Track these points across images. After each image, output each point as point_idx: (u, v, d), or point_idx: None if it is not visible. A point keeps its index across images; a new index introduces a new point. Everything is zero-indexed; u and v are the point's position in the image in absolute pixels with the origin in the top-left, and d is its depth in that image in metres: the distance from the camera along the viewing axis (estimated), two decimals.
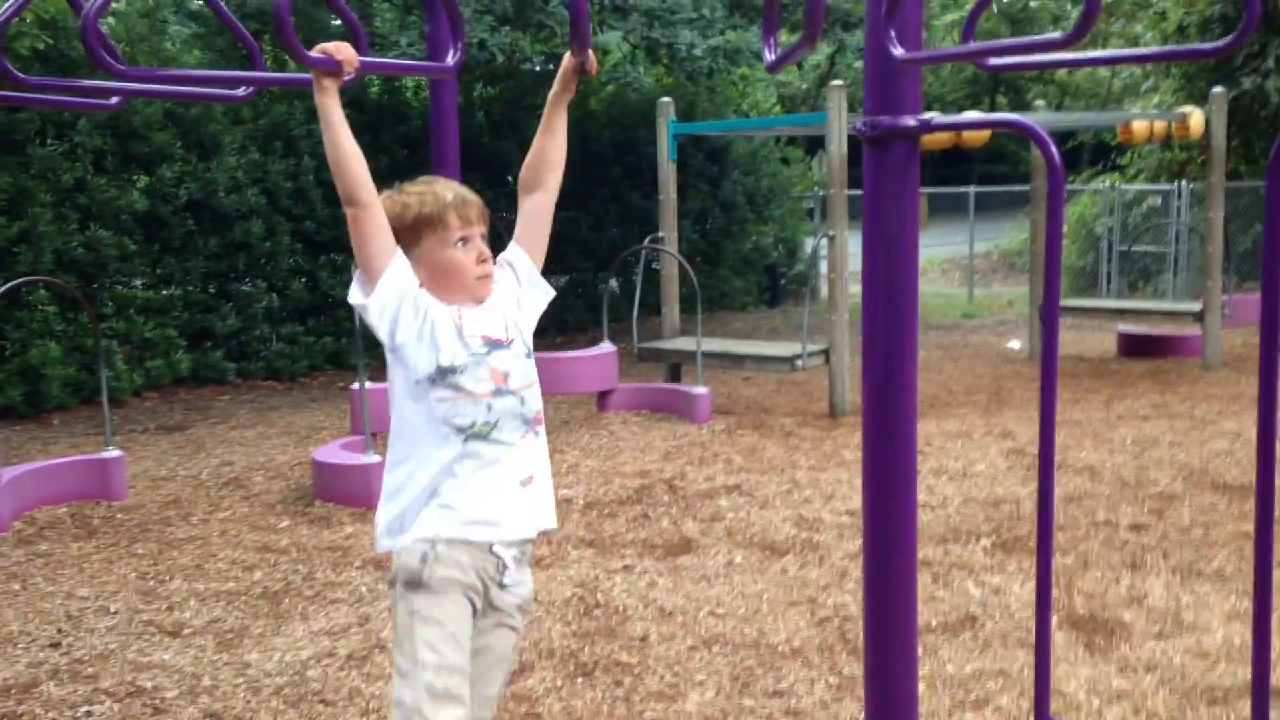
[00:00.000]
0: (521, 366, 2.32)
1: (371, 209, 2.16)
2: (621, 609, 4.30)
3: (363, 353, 6.09)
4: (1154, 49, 1.76)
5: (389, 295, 2.20)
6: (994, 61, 2.09)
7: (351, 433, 6.57)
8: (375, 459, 5.80)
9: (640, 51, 10.89)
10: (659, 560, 4.86)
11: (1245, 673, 3.40)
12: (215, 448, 7.45)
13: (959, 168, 36.10)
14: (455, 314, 2.27)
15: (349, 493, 5.79)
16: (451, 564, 2.22)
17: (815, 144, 17.73)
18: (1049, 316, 2.32)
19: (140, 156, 9.34)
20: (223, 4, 2.04)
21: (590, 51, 2.08)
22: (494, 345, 2.28)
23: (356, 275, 2.23)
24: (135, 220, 9.23)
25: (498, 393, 2.26)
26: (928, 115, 2.39)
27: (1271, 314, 1.82)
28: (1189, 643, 3.75)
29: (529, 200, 2.46)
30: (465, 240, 2.28)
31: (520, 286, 2.42)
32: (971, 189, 18.26)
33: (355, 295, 2.24)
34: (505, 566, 2.28)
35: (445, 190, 2.33)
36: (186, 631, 4.22)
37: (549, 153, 2.40)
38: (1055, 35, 1.56)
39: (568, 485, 6.15)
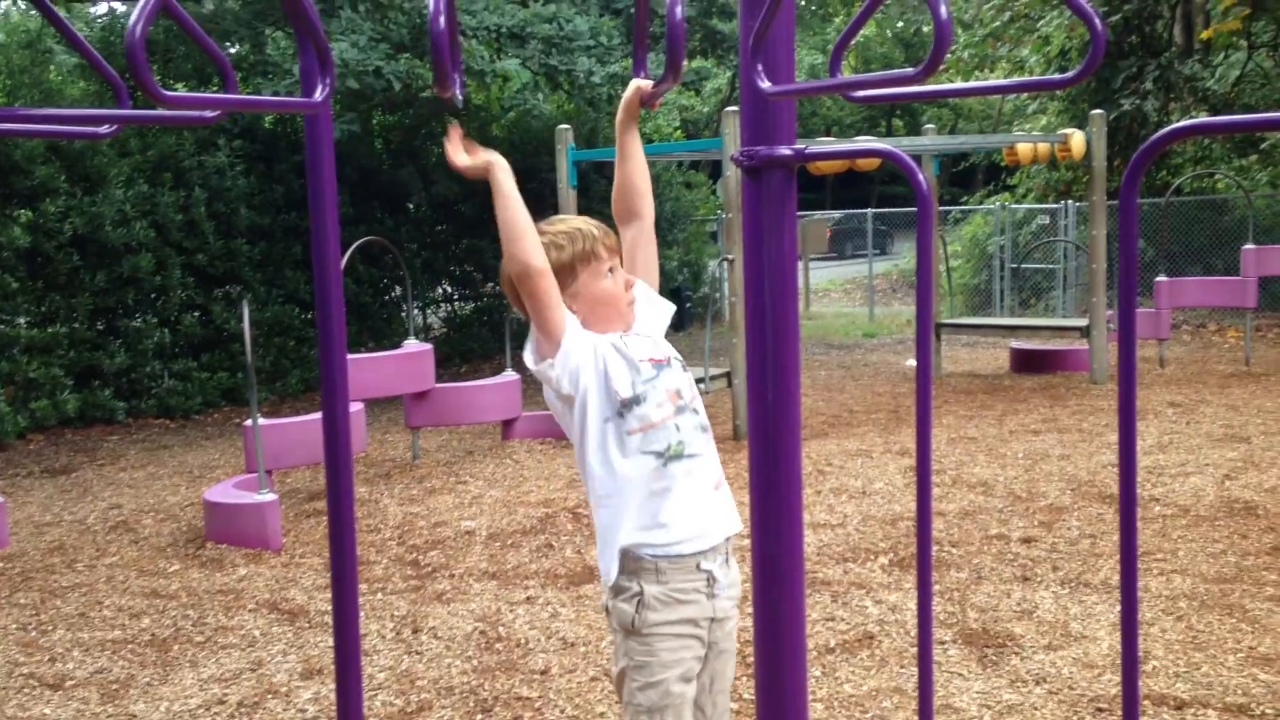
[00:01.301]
0: (687, 381, 2.36)
1: (549, 274, 2.20)
2: (523, 642, 4.26)
3: (256, 387, 5.95)
4: (1008, 80, 1.82)
5: (575, 352, 2.24)
6: (859, 94, 2.13)
7: (246, 470, 6.42)
8: (269, 497, 5.68)
9: (541, 79, 10.90)
10: (562, 590, 4.83)
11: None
12: (103, 490, 7.22)
13: (859, 190, 36.85)
14: (620, 344, 2.31)
15: (242, 533, 5.65)
16: (667, 603, 2.24)
17: (719, 168, 17.92)
18: (922, 336, 2.36)
19: (22, 191, 9.04)
20: (85, 41, 1.97)
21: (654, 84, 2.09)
22: (660, 366, 2.32)
23: (533, 339, 2.26)
24: (18, 257, 8.93)
25: (679, 411, 2.29)
26: (802, 144, 2.43)
27: (1127, 321, 1.88)
28: (1077, 653, 3.84)
29: (628, 230, 2.47)
30: (613, 270, 2.34)
31: (649, 307, 2.46)
32: (870, 211, 18.63)
33: (533, 359, 2.28)
34: (715, 579, 2.29)
35: (587, 224, 2.37)
36: (69, 684, 4.06)
37: (633, 180, 2.42)
38: (909, 70, 1.59)
39: (470, 517, 6.09)
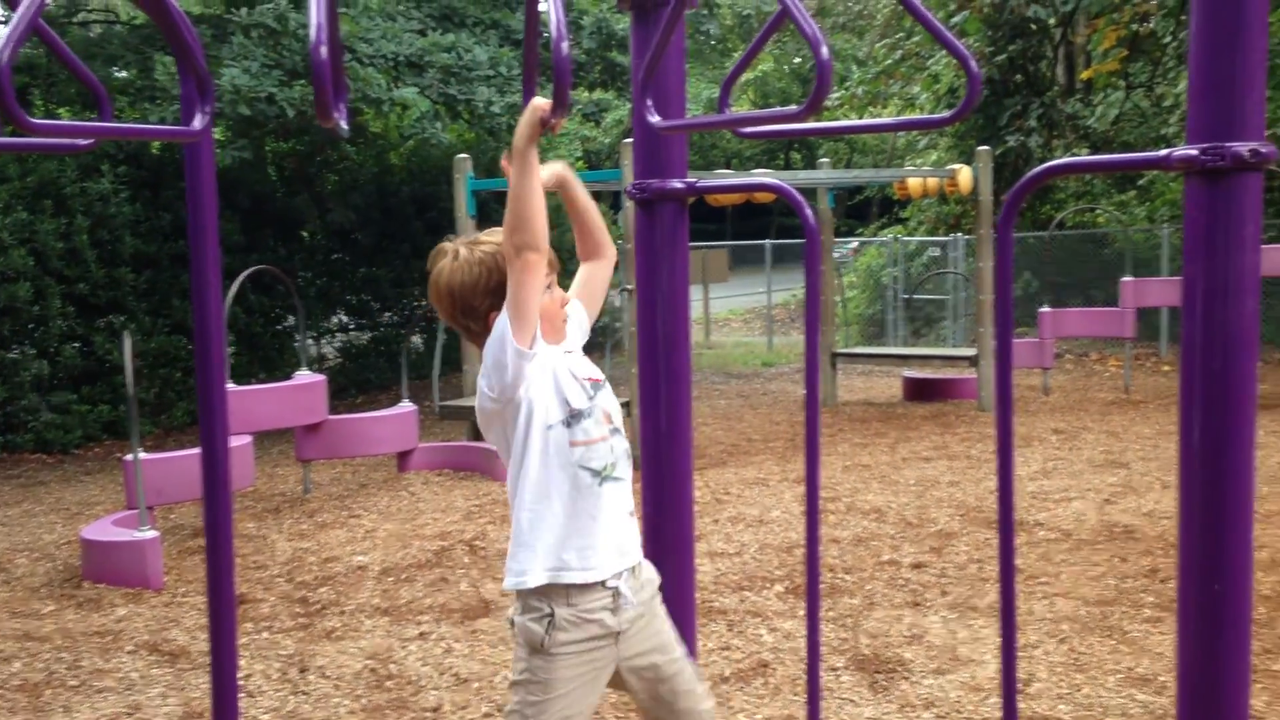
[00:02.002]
0: (616, 405, 2.35)
1: (545, 257, 2.15)
2: (415, 679, 4.17)
3: (139, 420, 5.76)
4: (889, 119, 1.88)
5: (540, 345, 2.21)
6: (747, 130, 2.17)
7: (126, 507, 6.19)
8: (150, 534, 5.49)
9: (441, 108, 10.85)
10: (457, 625, 4.75)
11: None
12: None
13: (759, 220, 37.39)
14: (566, 358, 2.30)
15: (121, 572, 5.44)
16: (575, 625, 2.24)
17: (620, 199, 18.01)
18: (810, 365, 2.40)
19: None
20: None
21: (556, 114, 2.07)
22: (597, 386, 2.32)
23: (507, 326, 2.16)
24: None
25: (614, 432, 2.30)
26: (694, 178, 2.46)
27: (1004, 347, 1.93)
28: (964, 677, 3.92)
29: (588, 266, 2.50)
30: (550, 286, 2.31)
31: (577, 328, 2.46)
32: (768, 242, 18.91)
33: (514, 350, 2.16)
34: (621, 594, 2.28)
35: None
36: None
37: (590, 222, 2.46)
38: (793, 108, 1.63)
39: (363, 552, 5.96)
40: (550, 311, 2.30)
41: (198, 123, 1.67)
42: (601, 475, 2.25)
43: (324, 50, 1.30)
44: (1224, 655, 1.62)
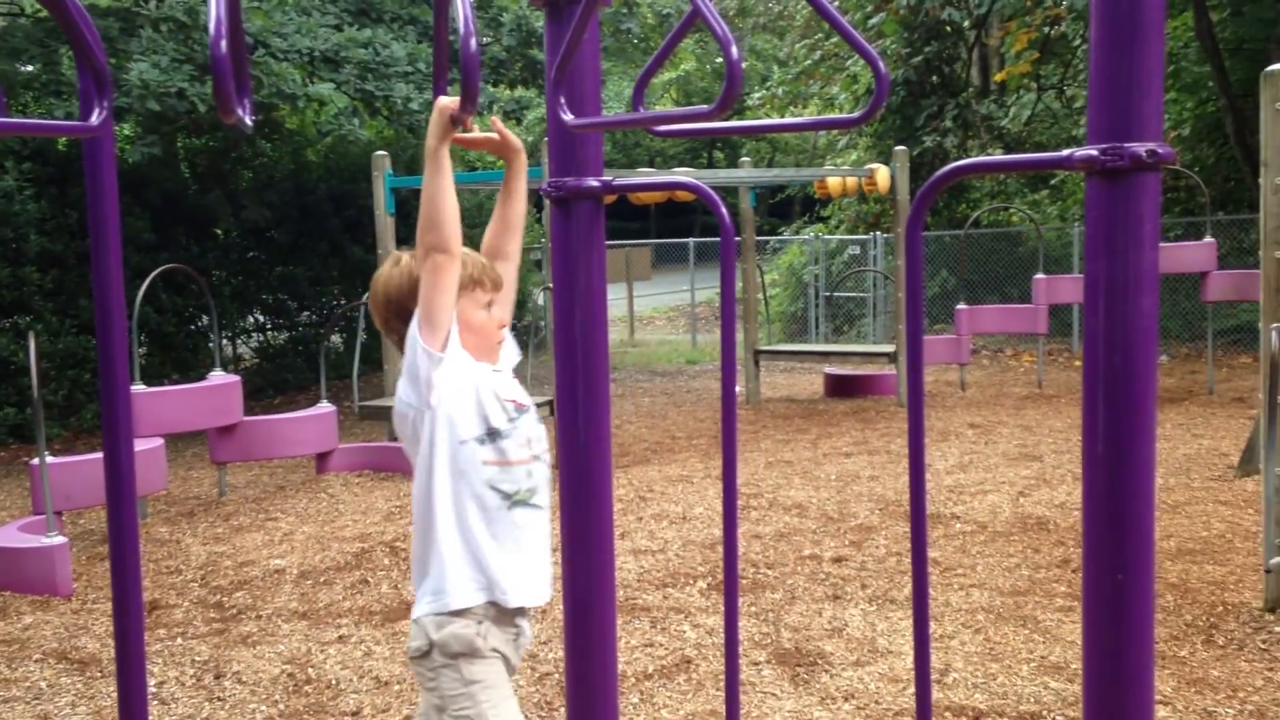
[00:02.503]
0: (541, 433, 2.31)
1: (458, 262, 2.12)
2: (334, 683, 4.12)
3: (45, 423, 5.60)
4: (800, 119, 1.90)
5: (454, 361, 2.16)
6: (661, 129, 2.17)
7: (33, 512, 6.01)
8: (58, 540, 5.33)
9: (359, 104, 10.71)
10: (377, 628, 4.70)
11: (932, 693, 3.63)
12: None
13: (683, 219, 37.55)
14: (490, 377, 2.25)
15: (27, 579, 5.29)
16: (497, 636, 2.22)
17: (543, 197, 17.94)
18: (726, 364, 2.41)
19: None
20: None
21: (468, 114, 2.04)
22: (522, 411, 2.28)
23: (416, 329, 2.13)
24: None
25: (535, 458, 2.27)
26: (609, 176, 2.45)
27: (915, 342, 1.96)
28: (883, 668, 3.97)
29: (501, 267, 2.44)
30: (490, 305, 2.29)
31: (509, 351, 2.44)
32: (691, 240, 19.00)
33: (423, 352, 2.13)
34: (522, 632, 2.28)
35: (475, 255, 2.32)
36: None
37: (514, 218, 2.42)
38: (704, 107, 1.63)
39: (280, 555, 5.86)
40: (487, 330, 2.28)
41: (96, 117, 1.62)
42: (512, 499, 2.21)
43: (224, 44, 1.27)
44: (1127, 642, 1.66)
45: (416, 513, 2.23)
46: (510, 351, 2.39)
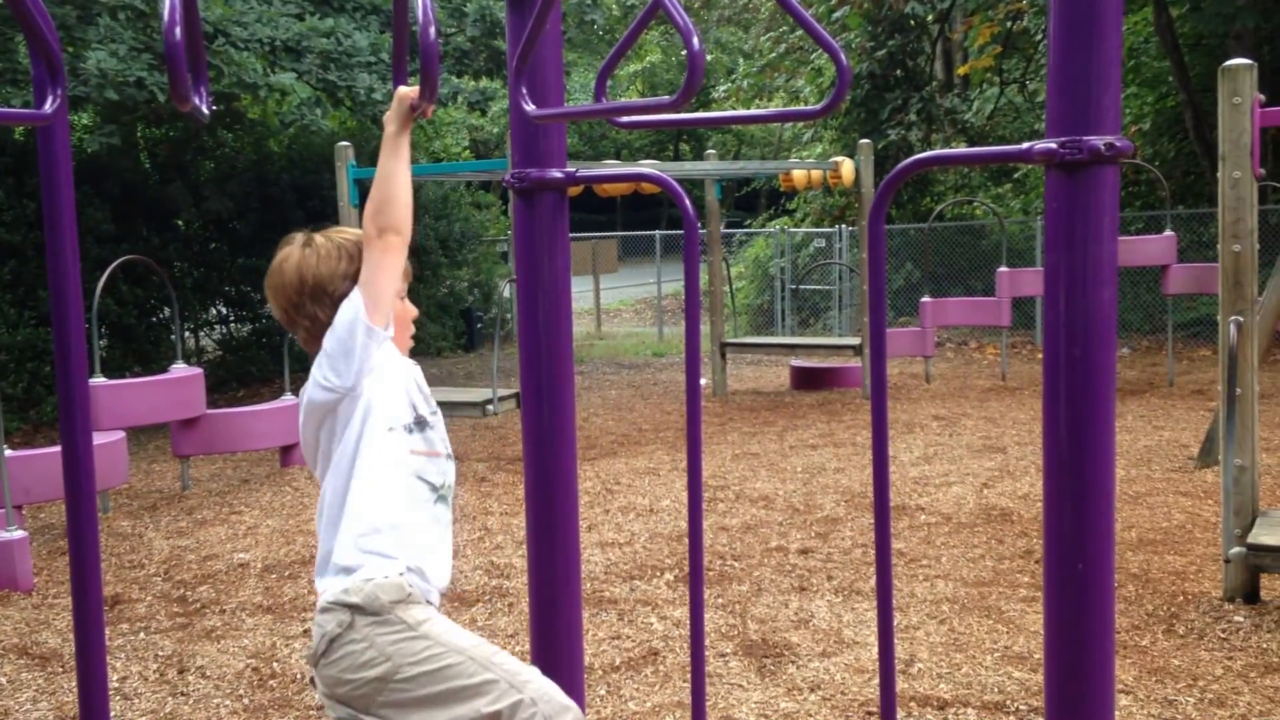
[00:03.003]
0: (446, 433, 2.24)
1: (406, 244, 2.07)
2: (299, 677, 4.09)
3: (4, 416, 5.52)
4: (764, 111, 1.90)
5: (389, 345, 2.10)
6: (624, 120, 2.17)
7: None
8: (18, 534, 5.26)
9: (322, 94, 10.62)
10: None
11: (897, 684, 3.66)
12: None
13: (649, 211, 37.54)
14: (412, 368, 2.18)
15: None
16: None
17: None
18: (691, 358, 2.42)
19: None
20: None
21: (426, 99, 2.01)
22: (433, 406, 2.22)
23: (360, 306, 2.04)
24: None
25: (449, 457, 2.21)
26: (573, 168, 2.45)
27: (878, 333, 1.97)
28: (849, 659, 4.00)
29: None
30: (402, 298, 2.20)
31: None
32: (658, 232, 19.00)
33: (365, 329, 2.04)
34: None
35: None
36: None
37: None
38: (665, 98, 1.63)
39: (245, 549, 5.82)
40: (403, 320, 2.21)
41: (49, 105, 1.60)
42: (438, 493, 2.15)
43: (178, 31, 1.25)
44: (1088, 631, 1.68)
45: (335, 503, 2.08)
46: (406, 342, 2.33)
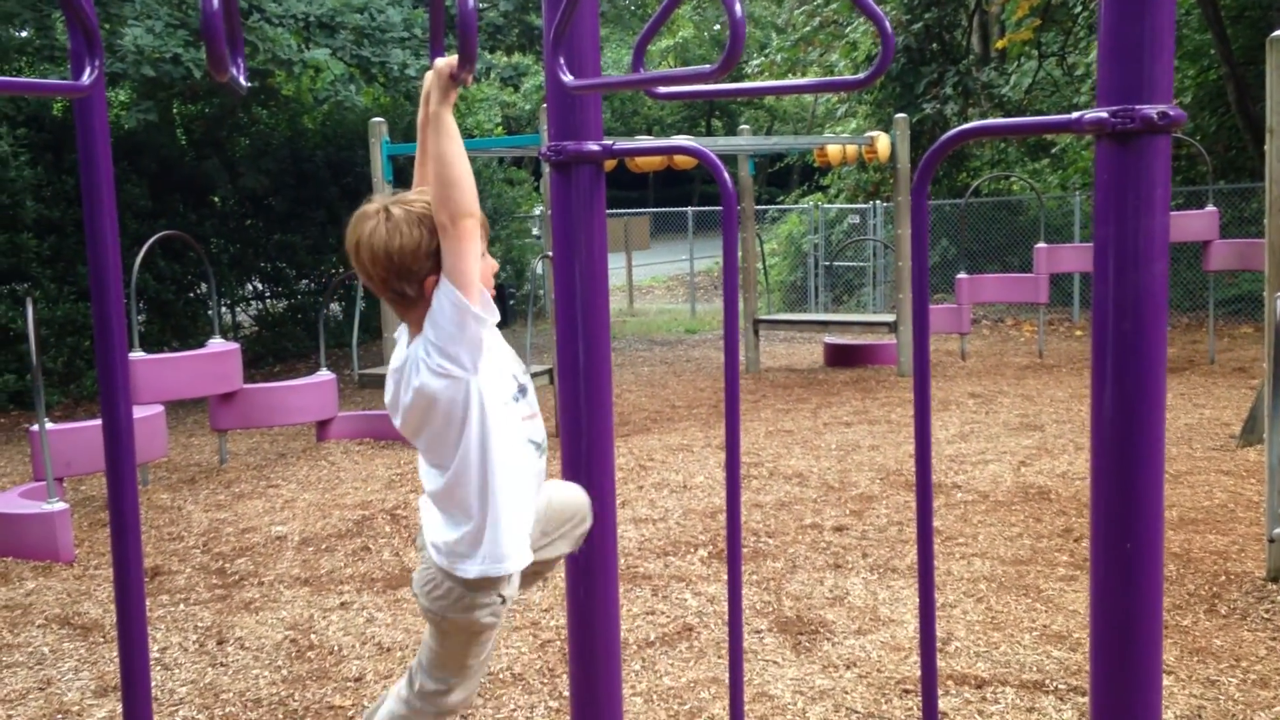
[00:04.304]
0: None
1: (479, 221, 2.04)
2: (337, 649, 4.12)
3: (44, 390, 5.59)
4: (803, 80, 1.86)
5: (489, 323, 2.09)
6: (661, 90, 2.14)
7: (34, 479, 6.01)
8: (59, 506, 5.33)
9: (355, 70, 10.63)
10: (379, 594, 4.70)
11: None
12: None
13: (681, 188, 37.39)
14: (496, 331, 2.20)
15: (30, 545, 5.29)
16: (510, 599, 2.25)
17: (541, 164, 17.85)
18: (729, 330, 2.39)
19: None
20: None
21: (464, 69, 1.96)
22: (525, 365, 2.26)
23: (457, 294, 2.02)
24: None
25: (536, 415, 2.25)
26: (609, 141, 2.42)
27: (921, 310, 1.94)
28: (884, 637, 3.98)
29: None
30: (483, 255, 2.16)
31: None
32: (690, 209, 18.92)
33: (473, 316, 2.04)
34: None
35: None
36: None
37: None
38: (706, 68, 1.60)
39: (282, 522, 5.86)
40: (485, 279, 2.16)
41: (87, 77, 1.59)
42: (540, 449, 2.21)
43: (215, 1, 1.24)
44: (1135, 613, 1.65)
45: (463, 486, 2.13)
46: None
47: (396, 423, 2.20)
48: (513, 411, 2.15)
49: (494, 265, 2.27)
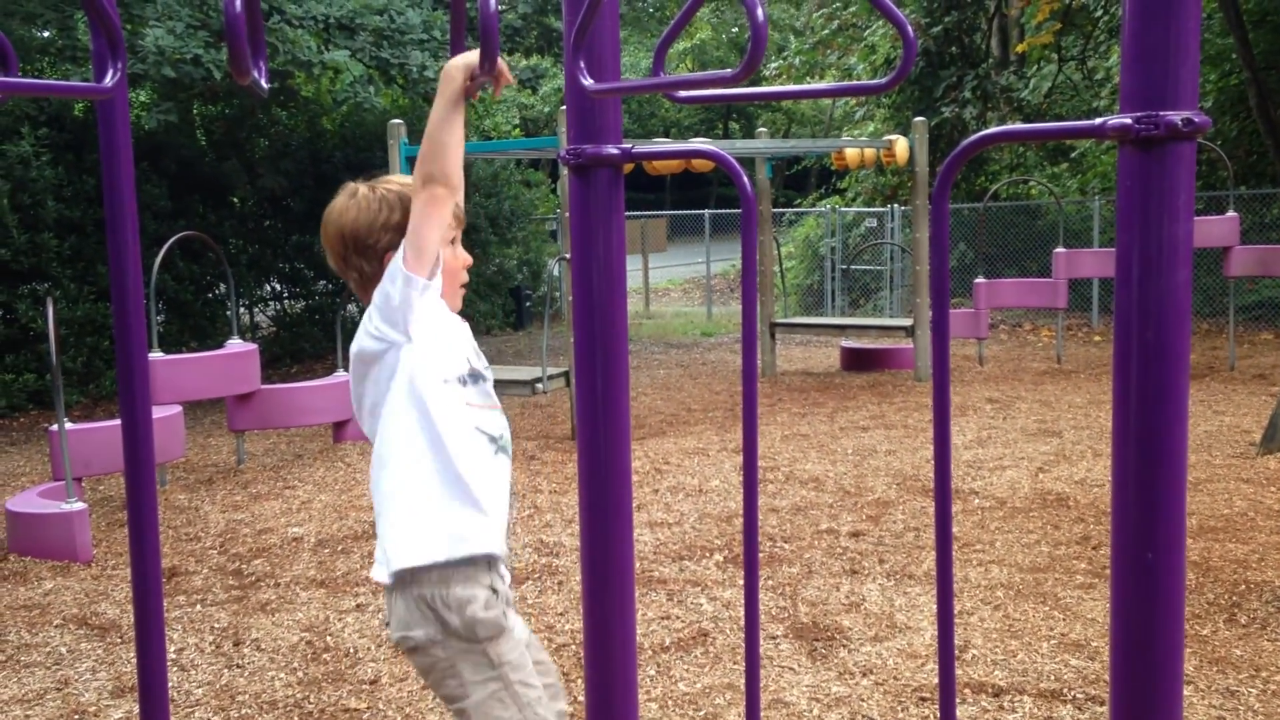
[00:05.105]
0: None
1: (456, 195, 2.01)
2: (352, 651, 4.13)
3: (64, 390, 5.62)
4: (826, 85, 1.85)
5: (435, 294, 2.04)
6: (682, 94, 2.13)
7: (53, 478, 6.04)
8: (78, 506, 5.36)
9: (374, 72, 10.66)
10: None
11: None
12: None
13: (699, 190, 37.37)
14: (461, 324, 2.15)
15: (47, 545, 5.32)
16: (505, 596, 2.08)
17: (558, 167, 17.88)
18: (747, 335, 2.38)
19: None
20: None
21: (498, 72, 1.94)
22: (488, 367, 2.21)
23: (404, 259, 2.00)
24: None
25: (499, 410, 2.17)
26: (628, 144, 2.41)
27: (941, 315, 1.93)
28: (901, 644, 3.96)
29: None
30: (455, 241, 2.14)
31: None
32: (707, 211, 18.90)
33: (405, 278, 1.99)
34: (505, 576, 2.13)
35: None
36: None
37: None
38: (727, 71, 1.59)
39: (298, 523, 5.88)
40: (453, 270, 2.14)
41: (110, 79, 1.60)
42: (498, 444, 2.11)
43: (238, 2, 1.24)
44: (1156, 623, 1.63)
45: (390, 459, 2.05)
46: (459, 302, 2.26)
47: (357, 415, 2.18)
48: (454, 393, 2.05)
49: (466, 259, 2.21)
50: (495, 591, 2.04)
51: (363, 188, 2.13)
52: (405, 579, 2.01)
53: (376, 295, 2.03)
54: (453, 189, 2.00)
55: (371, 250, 2.09)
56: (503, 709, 2.04)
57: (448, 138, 1.96)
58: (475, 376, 2.10)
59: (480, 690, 2.03)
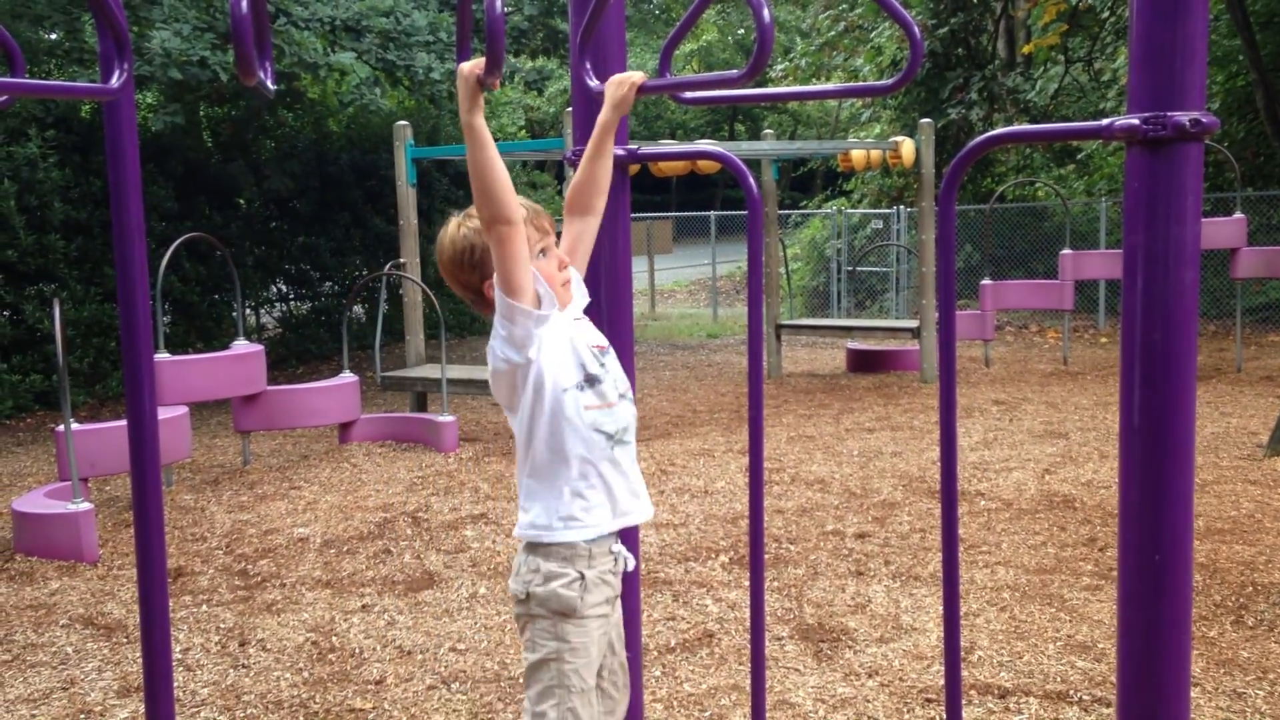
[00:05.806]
0: (622, 370, 2.37)
1: (520, 226, 2.13)
2: (358, 651, 4.13)
3: (70, 390, 5.63)
4: (832, 85, 1.86)
5: (542, 316, 2.21)
6: (688, 95, 2.14)
7: (59, 478, 6.06)
8: (84, 506, 5.37)
9: (380, 74, 10.67)
10: (400, 597, 4.71)
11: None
12: None
13: (704, 192, 37.38)
14: (573, 326, 2.29)
15: (54, 545, 5.32)
16: (600, 566, 2.27)
17: (564, 168, 17.89)
18: (753, 337, 2.39)
19: None
20: None
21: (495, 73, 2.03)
22: (605, 353, 2.33)
23: (503, 296, 2.18)
24: None
25: (622, 397, 2.31)
26: (634, 145, 2.42)
27: (947, 317, 1.92)
28: (907, 645, 3.95)
29: (579, 223, 2.42)
30: (545, 251, 2.28)
31: (580, 294, 2.43)
32: (713, 213, 18.89)
33: (522, 310, 2.18)
34: (620, 557, 2.34)
35: (523, 201, 2.33)
36: None
37: (601, 178, 2.37)
38: (733, 73, 1.59)
39: (304, 524, 5.89)
40: (549, 274, 2.28)
41: (116, 80, 1.60)
42: (614, 439, 2.27)
43: (244, 4, 1.24)
44: (1164, 625, 1.63)
45: (521, 452, 2.30)
46: (579, 293, 2.38)
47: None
48: (573, 400, 2.23)
49: (562, 259, 2.33)
50: (582, 576, 2.24)
51: (451, 223, 2.33)
52: (525, 544, 2.30)
53: (499, 324, 2.21)
54: (514, 223, 2.11)
55: (469, 284, 2.31)
56: (548, 677, 2.24)
57: (487, 180, 2.06)
58: (591, 380, 2.26)
59: (536, 653, 2.25)
